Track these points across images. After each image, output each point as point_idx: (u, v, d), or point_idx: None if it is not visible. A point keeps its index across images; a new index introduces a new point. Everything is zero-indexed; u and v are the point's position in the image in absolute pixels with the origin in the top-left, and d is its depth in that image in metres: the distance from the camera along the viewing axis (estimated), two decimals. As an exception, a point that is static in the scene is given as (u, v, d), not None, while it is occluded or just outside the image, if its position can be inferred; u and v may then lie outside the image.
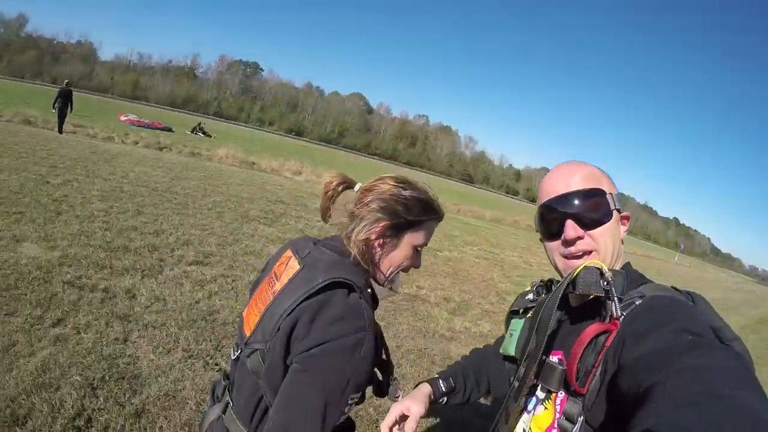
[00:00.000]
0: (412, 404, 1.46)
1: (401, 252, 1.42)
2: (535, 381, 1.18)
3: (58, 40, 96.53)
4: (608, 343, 1.00)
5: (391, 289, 1.48)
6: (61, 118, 17.51)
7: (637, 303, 1.03)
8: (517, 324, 1.37)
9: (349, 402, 1.20)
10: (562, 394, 1.12)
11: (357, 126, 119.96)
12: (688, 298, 1.06)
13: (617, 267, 1.20)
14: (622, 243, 1.23)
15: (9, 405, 3.05)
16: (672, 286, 1.11)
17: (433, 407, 1.54)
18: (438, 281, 9.07)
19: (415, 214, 1.40)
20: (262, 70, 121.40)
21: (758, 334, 13.94)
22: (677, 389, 0.69)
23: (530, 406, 1.24)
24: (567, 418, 1.08)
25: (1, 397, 3.09)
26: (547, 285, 1.41)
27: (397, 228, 1.38)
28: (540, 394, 1.20)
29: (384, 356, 1.48)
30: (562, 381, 1.10)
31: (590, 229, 1.16)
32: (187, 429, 3.31)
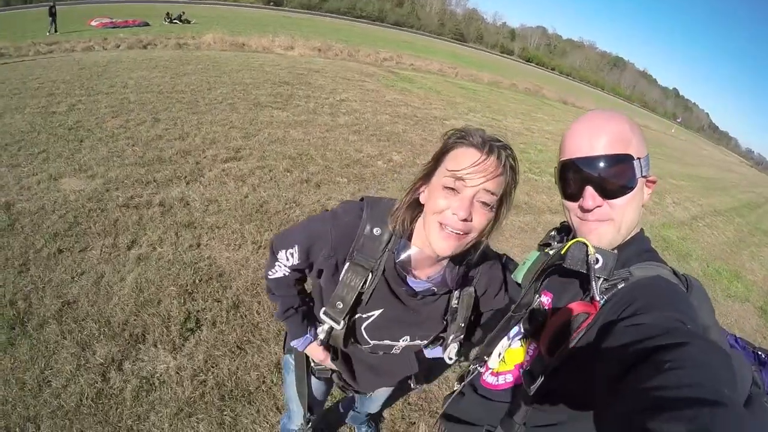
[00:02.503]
0: None
1: (432, 195, 1.28)
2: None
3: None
4: (585, 324, 1.05)
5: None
6: None
7: (620, 287, 1.06)
8: (533, 255, 1.38)
9: (279, 258, 1.55)
10: (534, 344, 1.24)
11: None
12: (683, 283, 1.08)
13: (631, 235, 1.19)
14: (644, 207, 1.20)
15: (124, 328, 3.50)
16: (671, 267, 1.12)
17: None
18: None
19: (441, 145, 1.30)
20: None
21: (743, 218, 14.21)
22: (683, 377, 0.71)
23: (511, 334, 1.37)
24: (531, 372, 1.20)
25: (114, 324, 3.52)
26: (567, 228, 1.39)
27: (428, 171, 1.32)
28: (521, 328, 1.31)
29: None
30: (536, 331, 1.20)
31: (611, 198, 1.13)
32: (279, 309, 3.82)
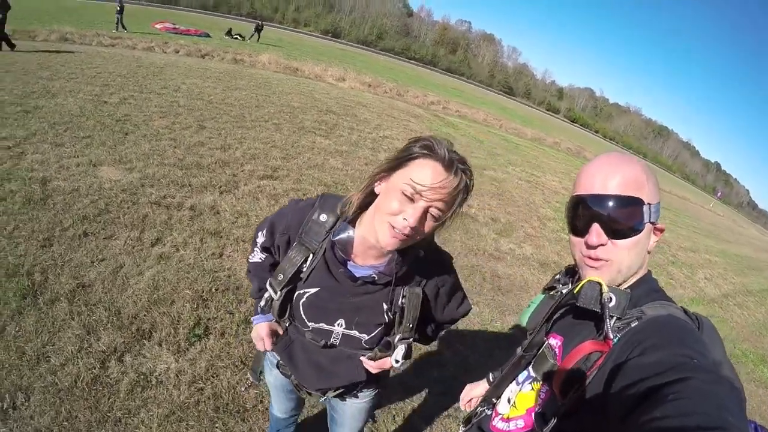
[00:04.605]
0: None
1: (387, 194, 1.36)
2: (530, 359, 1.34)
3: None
4: (599, 363, 1.07)
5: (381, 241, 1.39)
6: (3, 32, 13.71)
7: (633, 325, 1.07)
8: (537, 298, 1.42)
9: (257, 239, 1.78)
10: (546, 387, 1.24)
11: (396, 29, 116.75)
12: (695, 322, 1.10)
13: (634, 279, 1.20)
14: (649, 253, 1.22)
15: (133, 321, 3.52)
16: (681, 307, 1.14)
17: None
18: (485, 201, 9.47)
19: (405, 148, 1.36)
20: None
21: (777, 302, 13.75)
22: (686, 407, 0.72)
23: (521, 378, 1.38)
24: (543, 414, 1.20)
25: (124, 316, 3.55)
26: (572, 271, 1.41)
27: (389, 168, 1.38)
28: (532, 371, 1.32)
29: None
30: (548, 374, 1.22)
31: (616, 238, 1.15)
32: (290, 333, 3.81)
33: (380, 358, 1.60)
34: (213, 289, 4.10)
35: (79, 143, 6.62)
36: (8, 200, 4.73)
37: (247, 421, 2.97)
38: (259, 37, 35.91)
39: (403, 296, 1.54)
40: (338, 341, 1.63)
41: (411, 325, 1.55)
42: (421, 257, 1.52)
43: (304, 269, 1.56)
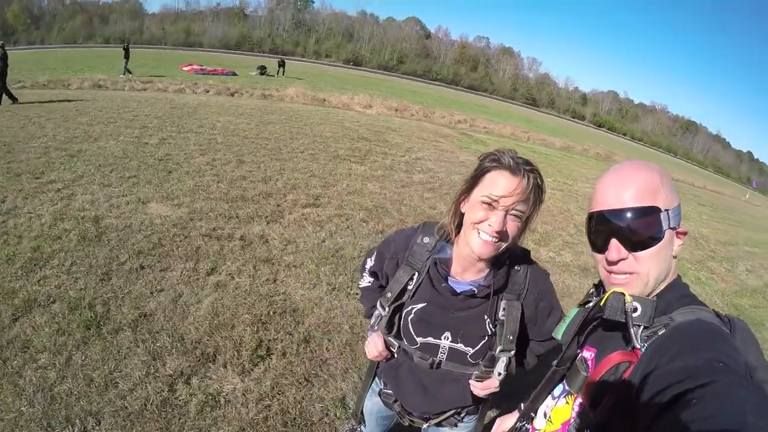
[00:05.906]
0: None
1: (471, 208, 1.53)
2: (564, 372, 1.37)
3: (104, 1, 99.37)
4: (627, 374, 1.07)
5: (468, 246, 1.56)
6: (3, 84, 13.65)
7: (660, 333, 1.06)
8: (572, 311, 1.37)
9: (366, 265, 2.02)
10: (579, 399, 1.25)
11: (416, 51, 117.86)
12: (727, 325, 1.07)
13: (663, 286, 1.19)
14: (675, 258, 1.20)
15: (197, 346, 3.68)
16: (713, 310, 1.11)
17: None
18: (521, 213, 9.33)
19: (478, 166, 1.56)
20: (313, 1, 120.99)
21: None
22: (705, 411, 0.75)
23: (556, 392, 1.40)
24: (578, 426, 1.22)
25: (187, 342, 3.72)
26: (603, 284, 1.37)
27: (468, 187, 1.57)
28: (566, 385, 1.34)
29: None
30: (581, 388, 1.23)
31: (636, 251, 1.15)
32: (348, 348, 3.99)
33: (486, 377, 1.62)
34: (271, 312, 4.25)
35: (125, 183, 6.95)
36: (64, 238, 5.03)
37: (315, 434, 3.07)
38: (283, 72, 37.70)
39: (503, 309, 1.65)
40: (445, 356, 1.73)
41: (511, 338, 1.62)
42: (518, 271, 1.69)
43: (410, 287, 1.73)
